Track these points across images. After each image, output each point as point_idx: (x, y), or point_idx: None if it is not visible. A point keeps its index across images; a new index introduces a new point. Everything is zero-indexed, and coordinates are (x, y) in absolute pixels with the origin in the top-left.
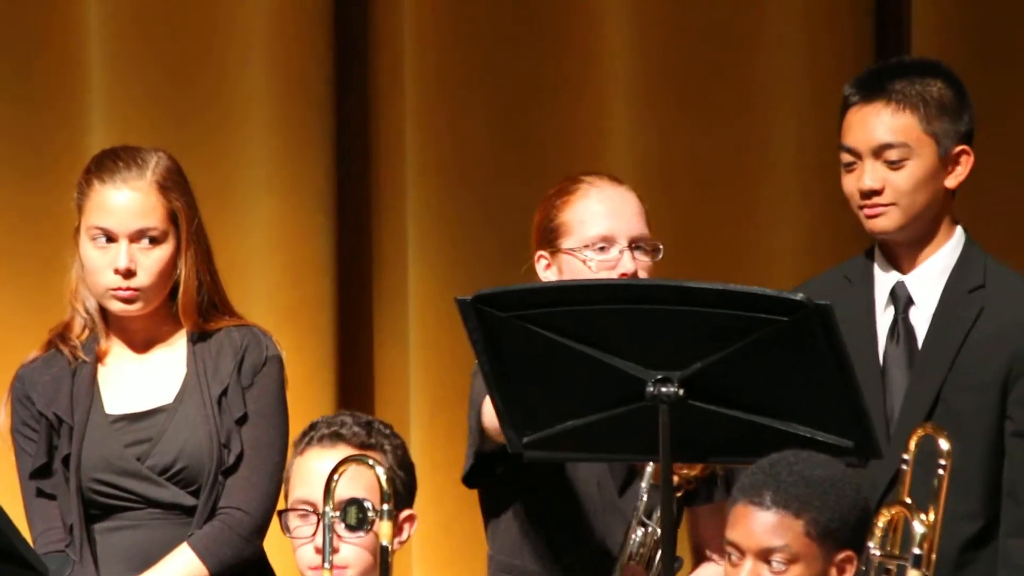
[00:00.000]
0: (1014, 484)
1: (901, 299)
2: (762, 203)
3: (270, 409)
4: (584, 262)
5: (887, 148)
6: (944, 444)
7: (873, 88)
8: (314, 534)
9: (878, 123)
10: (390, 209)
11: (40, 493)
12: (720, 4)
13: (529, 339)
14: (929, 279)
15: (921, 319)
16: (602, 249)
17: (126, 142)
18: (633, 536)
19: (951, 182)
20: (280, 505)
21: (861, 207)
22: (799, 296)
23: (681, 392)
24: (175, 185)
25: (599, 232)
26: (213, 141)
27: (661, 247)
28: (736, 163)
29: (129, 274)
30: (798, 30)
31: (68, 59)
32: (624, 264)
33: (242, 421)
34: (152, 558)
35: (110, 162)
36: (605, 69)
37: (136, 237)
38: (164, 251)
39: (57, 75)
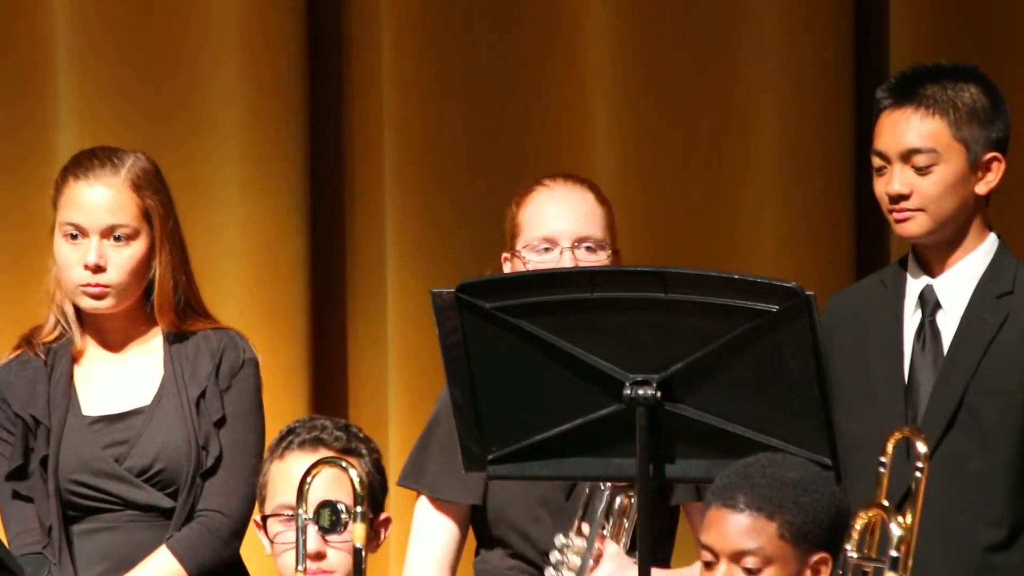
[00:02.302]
0: None
1: (929, 303)
2: (743, 200)
3: (248, 412)
4: (525, 264)
5: (915, 153)
6: (921, 447)
7: (904, 93)
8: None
9: (907, 128)
10: (366, 210)
11: (16, 495)
12: (700, 2)
13: (507, 336)
14: (958, 283)
15: (948, 323)
16: (546, 250)
17: (96, 139)
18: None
19: (981, 188)
20: (256, 510)
21: (890, 211)
22: (791, 284)
23: (659, 395)
24: (149, 184)
25: (540, 233)
26: (185, 141)
27: (610, 246)
28: (716, 161)
29: (99, 270)
30: (778, 28)
31: (35, 54)
32: (563, 263)
33: (220, 423)
34: (130, 559)
35: (86, 160)
36: (584, 68)
37: (107, 233)
38: (136, 249)
39: (24, 70)
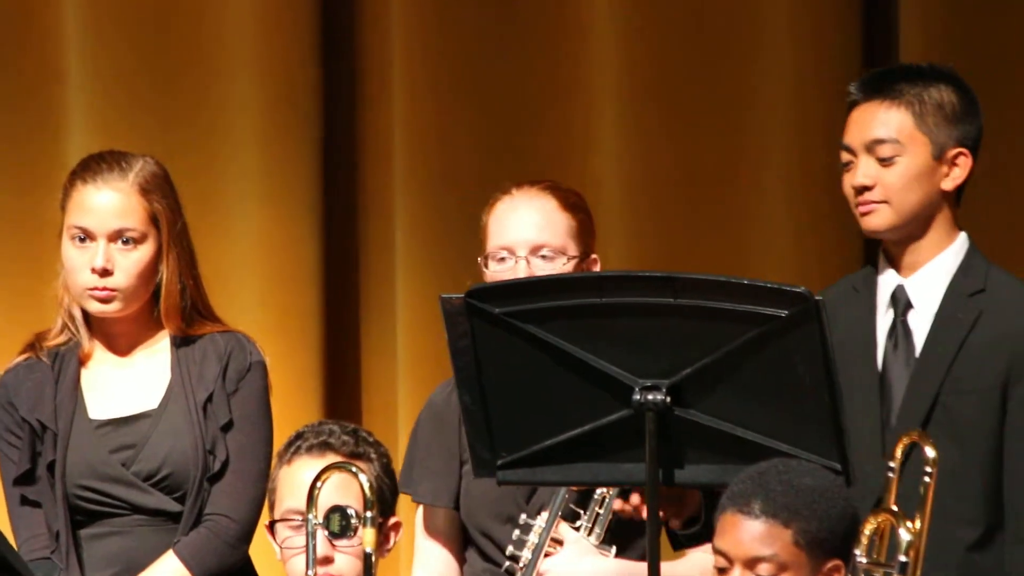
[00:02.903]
0: (1015, 494)
1: (901, 302)
2: (749, 210)
3: (255, 415)
4: (485, 271)
5: (878, 144)
6: (930, 451)
7: (873, 87)
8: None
9: (873, 119)
10: (377, 217)
11: (24, 500)
12: (709, 12)
13: (517, 341)
14: (930, 283)
15: (921, 322)
16: (502, 260)
17: (108, 146)
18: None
19: (947, 184)
20: (264, 514)
21: (856, 204)
22: (800, 288)
23: (668, 400)
24: (157, 188)
25: (498, 243)
26: (199, 149)
27: (575, 253)
28: (723, 170)
29: (105, 273)
30: (785, 38)
31: (47, 62)
32: (518, 272)
33: (227, 427)
34: (138, 564)
35: (94, 163)
36: (592, 75)
37: (114, 237)
38: (143, 253)
39: (36, 78)
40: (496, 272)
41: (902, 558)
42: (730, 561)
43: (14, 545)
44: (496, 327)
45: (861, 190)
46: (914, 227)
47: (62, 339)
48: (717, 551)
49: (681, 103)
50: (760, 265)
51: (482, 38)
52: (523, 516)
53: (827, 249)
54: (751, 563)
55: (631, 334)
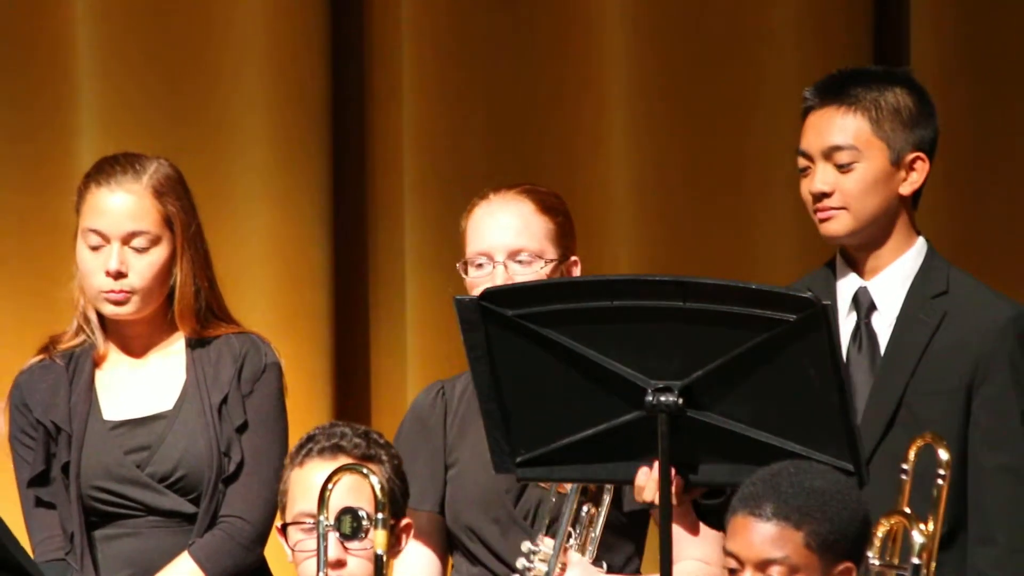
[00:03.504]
0: (979, 495)
1: (863, 304)
2: (756, 211)
3: (270, 417)
4: (465, 278)
5: (836, 151)
6: (943, 454)
7: (829, 92)
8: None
9: (829, 126)
10: (387, 219)
11: (39, 502)
12: (718, 13)
13: (530, 343)
14: (891, 285)
15: (883, 324)
16: (479, 266)
17: (117, 146)
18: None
19: (905, 189)
20: (276, 517)
21: (814, 211)
22: (807, 294)
23: (680, 402)
24: (171, 190)
25: (476, 248)
26: (208, 148)
27: (547, 256)
28: (731, 171)
29: (119, 276)
30: (795, 39)
31: (56, 60)
32: (495, 278)
33: (242, 429)
34: (153, 565)
35: (108, 166)
36: (602, 79)
37: (128, 240)
38: (157, 255)
39: (45, 76)
40: (474, 278)
41: (915, 560)
42: (741, 563)
43: (28, 546)
44: (510, 329)
45: (819, 197)
46: (873, 231)
47: (77, 341)
48: (728, 553)
49: (689, 104)
50: (768, 265)
51: (491, 39)
52: (526, 544)
53: (834, 250)
54: (762, 565)
55: (643, 337)
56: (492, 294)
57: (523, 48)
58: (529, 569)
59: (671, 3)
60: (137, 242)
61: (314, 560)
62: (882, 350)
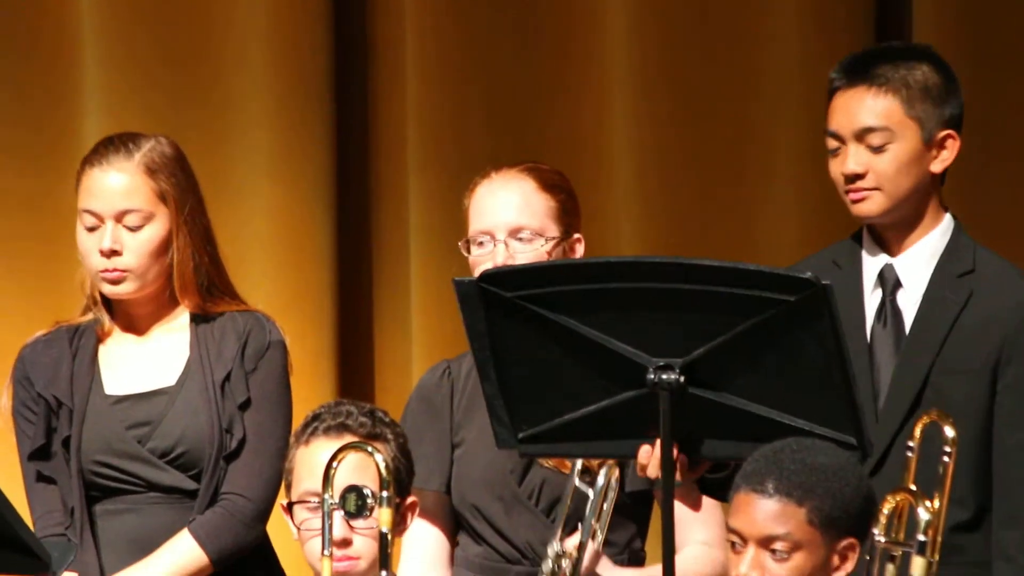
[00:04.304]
0: (1004, 475)
1: (889, 281)
2: (761, 196)
3: (273, 394)
4: (468, 257)
5: (869, 132)
6: (949, 431)
7: (857, 72)
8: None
9: (860, 107)
10: (391, 198)
11: (40, 477)
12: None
13: (530, 323)
14: (918, 263)
15: (909, 302)
16: (480, 244)
17: (123, 128)
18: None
19: (936, 167)
20: (280, 495)
21: (846, 192)
22: (807, 274)
23: (682, 379)
24: (164, 168)
25: (478, 227)
26: (212, 130)
27: (548, 234)
28: (735, 157)
29: (113, 254)
30: (796, 23)
31: (62, 44)
32: (496, 256)
33: (245, 406)
34: (153, 541)
35: (103, 147)
36: (605, 63)
37: (120, 218)
38: (150, 233)
39: (51, 60)
40: (476, 257)
41: (921, 537)
42: (744, 540)
43: (29, 520)
44: (509, 310)
45: (852, 178)
46: (905, 210)
47: (84, 319)
48: (731, 530)
49: (691, 87)
50: (770, 248)
51: (494, 20)
52: (554, 545)
53: (837, 232)
54: (765, 541)
55: (644, 318)
56: (491, 276)
57: (526, 30)
58: (556, 573)
59: None
60: (129, 220)
61: (320, 539)
62: (907, 328)
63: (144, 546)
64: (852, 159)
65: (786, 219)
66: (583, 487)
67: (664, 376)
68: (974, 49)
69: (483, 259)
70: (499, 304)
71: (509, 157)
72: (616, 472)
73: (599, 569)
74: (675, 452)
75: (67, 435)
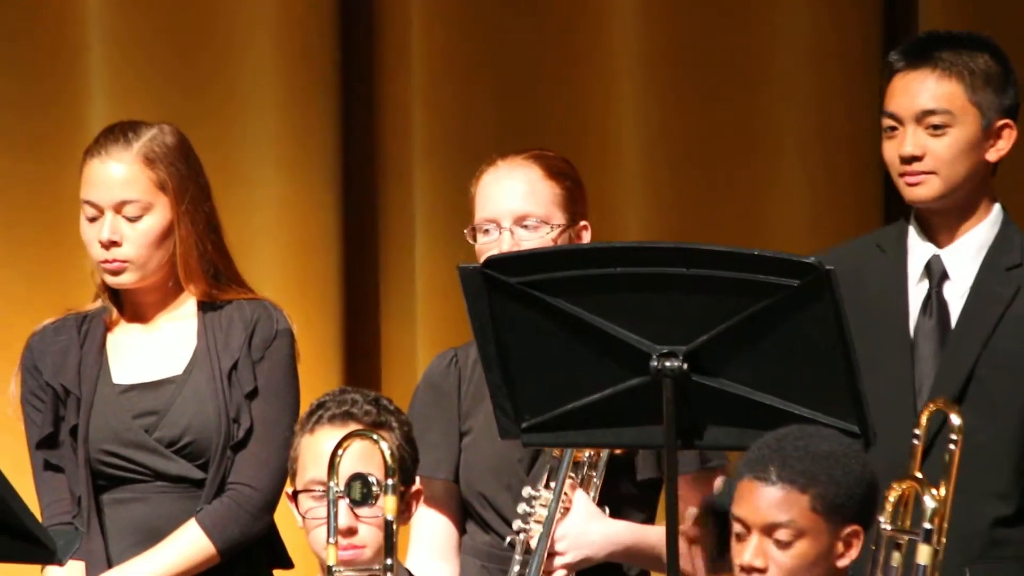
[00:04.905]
0: None
1: (936, 273)
2: (768, 180)
3: (280, 384)
4: (474, 245)
5: (930, 114)
6: (956, 419)
7: (919, 55)
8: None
9: (923, 89)
10: (397, 186)
11: (47, 465)
12: None
13: (534, 310)
14: (966, 254)
15: (955, 295)
16: (487, 232)
17: (127, 116)
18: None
19: (992, 156)
20: (287, 484)
21: (901, 174)
22: (810, 259)
23: (686, 366)
24: (164, 156)
25: (483, 215)
26: (219, 117)
27: (554, 222)
28: (741, 138)
29: (113, 245)
30: (805, 6)
31: (66, 30)
32: (502, 244)
33: (252, 395)
34: (160, 530)
35: (103, 137)
36: (612, 48)
37: (119, 208)
38: (150, 222)
39: (55, 46)
40: (482, 245)
41: (927, 525)
42: (747, 528)
43: (37, 510)
44: (513, 296)
45: (910, 160)
46: (958, 197)
47: (94, 307)
48: (735, 518)
49: (698, 73)
50: (778, 232)
51: (500, 8)
52: (527, 489)
53: (846, 216)
54: (768, 529)
55: (647, 304)
56: (495, 262)
57: (533, 15)
58: (530, 514)
59: None
60: (128, 210)
61: (325, 527)
62: (953, 321)
63: (151, 535)
64: (910, 141)
65: (794, 204)
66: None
67: (668, 363)
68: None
69: (488, 247)
70: (503, 290)
71: (516, 143)
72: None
73: (587, 522)
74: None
75: (74, 424)
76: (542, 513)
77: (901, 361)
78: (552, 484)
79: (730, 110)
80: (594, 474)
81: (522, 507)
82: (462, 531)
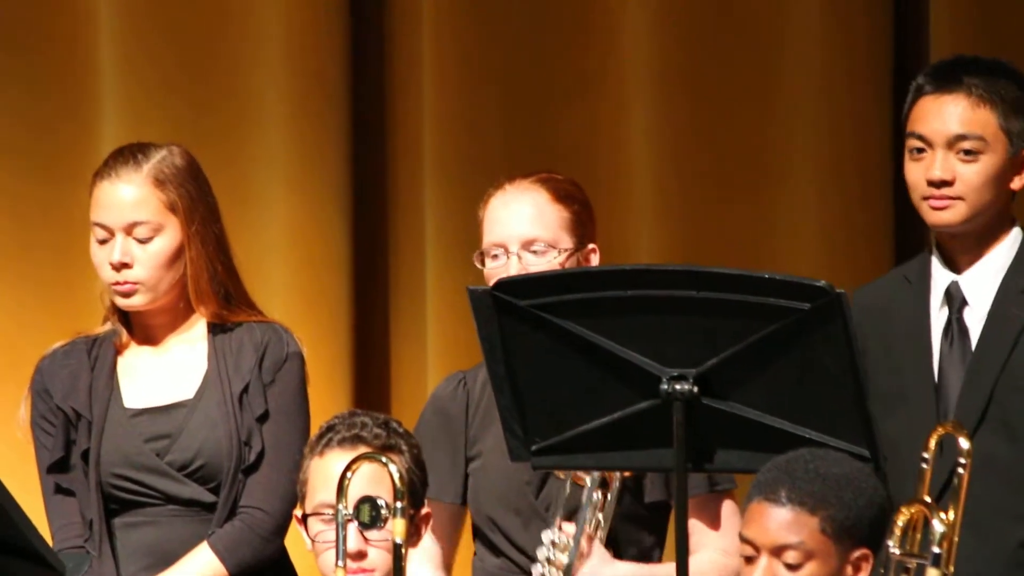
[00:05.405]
0: None
1: (956, 299)
2: (780, 201)
3: (292, 407)
4: (482, 269)
5: (962, 139)
6: (964, 443)
7: (950, 79)
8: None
9: (956, 114)
10: (407, 204)
11: (58, 489)
12: (739, 2)
13: (545, 332)
14: (984, 279)
15: (975, 319)
16: (495, 257)
17: (139, 135)
18: (545, 541)
19: (1016, 184)
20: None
21: (926, 197)
22: (820, 283)
23: (696, 390)
24: (174, 177)
25: (491, 239)
26: (229, 136)
27: (562, 246)
28: (752, 159)
29: (124, 267)
30: (815, 27)
31: (78, 49)
32: (509, 269)
33: (263, 419)
34: (172, 554)
35: (112, 159)
36: (623, 66)
37: (130, 230)
38: (161, 244)
39: (67, 65)
40: (491, 270)
41: (935, 549)
42: (757, 549)
43: (47, 533)
44: (523, 319)
45: (939, 184)
46: (980, 224)
47: (103, 329)
48: (744, 539)
49: (710, 92)
50: (789, 254)
51: (511, 25)
52: (547, 533)
53: (857, 240)
54: (777, 551)
55: (657, 326)
56: (505, 284)
57: (543, 34)
58: (551, 560)
59: None
60: (139, 232)
61: (334, 551)
62: (974, 346)
63: (162, 559)
64: (940, 165)
65: (805, 227)
66: (597, 497)
67: (678, 386)
68: (990, 51)
69: (497, 272)
70: (513, 313)
71: (526, 163)
72: (616, 481)
73: (600, 566)
74: None
75: (86, 448)
76: (562, 559)
77: (927, 389)
78: (565, 525)
79: (741, 133)
80: (600, 516)
81: (543, 551)
82: (454, 553)
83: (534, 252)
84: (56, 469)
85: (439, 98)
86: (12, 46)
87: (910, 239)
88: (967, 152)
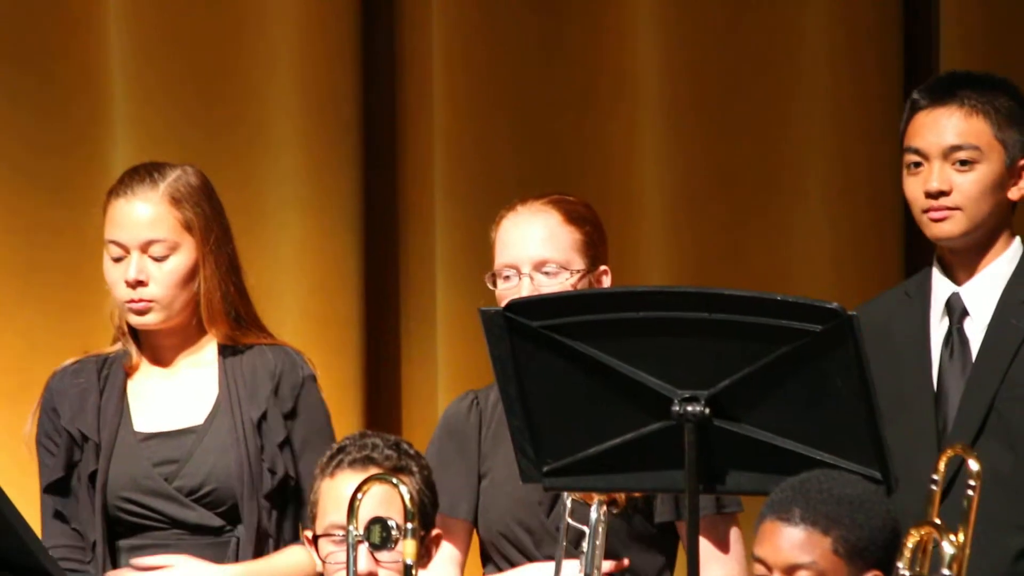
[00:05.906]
0: None
1: (956, 310)
2: (789, 220)
3: (324, 429)
4: (494, 290)
5: (957, 150)
6: (974, 465)
7: (944, 93)
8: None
9: (950, 125)
10: (418, 228)
11: (56, 514)
12: (750, 23)
13: (556, 353)
14: (984, 290)
15: (976, 330)
16: (507, 278)
17: (150, 157)
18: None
19: (1014, 194)
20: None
21: (926, 210)
22: (832, 305)
23: (707, 411)
24: (190, 196)
25: (503, 261)
26: (241, 159)
27: (574, 267)
28: (763, 180)
29: (139, 285)
30: (825, 49)
31: (90, 71)
32: (521, 290)
33: (284, 444)
34: None
35: (127, 177)
36: (634, 89)
37: (145, 248)
38: (176, 263)
39: (79, 88)
40: (502, 291)
41: (945, 571)
42: (769, 568)
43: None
44: (535, 340)
45: (936, 195)
46: (980, 235)
47: (113, 349)
48: (756, 559)
49: (721, 114)
50: (800, 274)
51: (522, 48)
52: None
53: (868, 260)
54: (790, 570)
55: (669, 348)
56: (517, 305)
57: (554, 56)
58: None
59: (703, 11)
60: (155, 250)
61: (345, 572)
62: (974, 356)
63: None
64: (937, 176)
65: (816, 249)
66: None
67: (689, 408)
68: (1002, 71)
69: (508, 293)
70: (525, 334)
71: (537, 186)
72: (605, 507)
73: None
74: None
75: (93, 470)
76: None
77: (926, 399)
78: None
79: (752, 154)
80: (597, 544)
81: None
82: (464, 564)
83: (546, 273)
84: (54, 489)
85: (450, 121)
86: (24, 69)
87: (920, 261)
88: (963, 163)
